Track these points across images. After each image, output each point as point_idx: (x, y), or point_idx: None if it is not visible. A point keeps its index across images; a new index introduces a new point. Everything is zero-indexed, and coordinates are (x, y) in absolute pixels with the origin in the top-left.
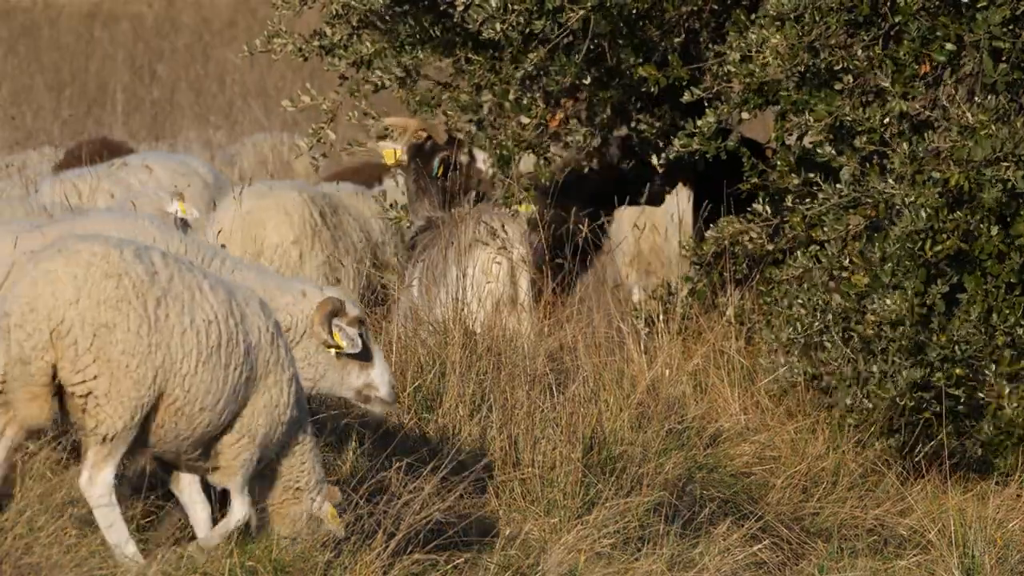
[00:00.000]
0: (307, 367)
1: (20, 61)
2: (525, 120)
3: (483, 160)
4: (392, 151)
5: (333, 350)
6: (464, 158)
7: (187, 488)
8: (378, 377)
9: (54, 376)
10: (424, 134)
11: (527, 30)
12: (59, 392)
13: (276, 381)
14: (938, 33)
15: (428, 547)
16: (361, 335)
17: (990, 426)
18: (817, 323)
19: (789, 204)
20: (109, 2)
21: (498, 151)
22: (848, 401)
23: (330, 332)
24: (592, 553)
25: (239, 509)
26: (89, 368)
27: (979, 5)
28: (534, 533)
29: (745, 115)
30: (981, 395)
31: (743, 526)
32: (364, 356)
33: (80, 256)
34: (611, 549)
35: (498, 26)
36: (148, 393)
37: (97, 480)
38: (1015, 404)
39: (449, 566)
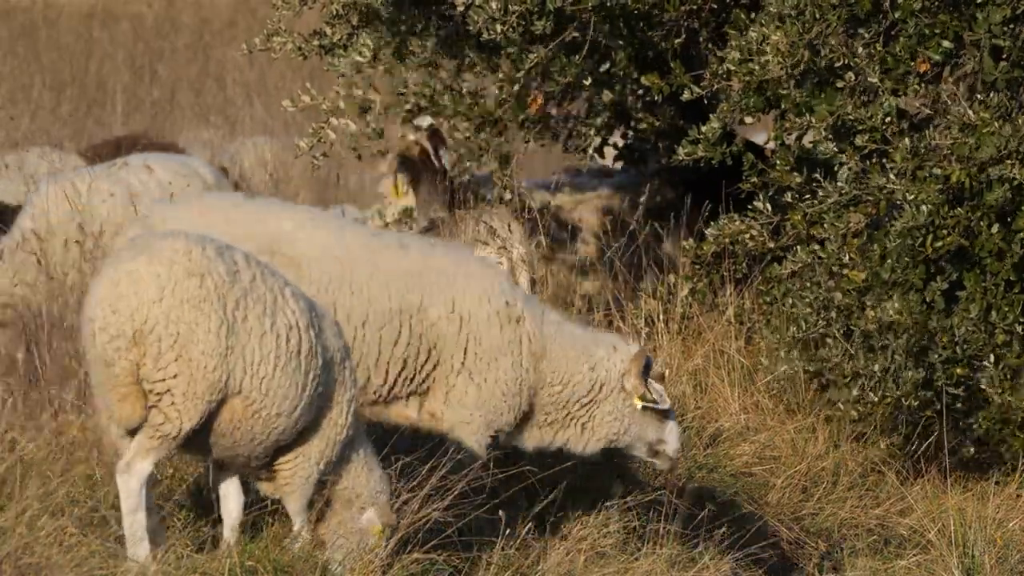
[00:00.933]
0: (613, 420)
1: (20, 61)
2: (521, 117)
3: (442, 151)
4: (394, 187)
5: (639, 404)
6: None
7: (225, 480)
8: (670, 433)
9: (139, 375)
10: (417, 148)
11: (527, 30)
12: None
13: (338, 401)
14: (936, 31)
15: (427, 547)
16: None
17: (985, 419)
18: (819, 320)
19: (790, 201)
20: (109, 2)
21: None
22: (855, 392)
23: (646, 385)
24: (592, 553)
25: (300, 529)
26: (170, 367)
27: (978, 3)
28: (534, 533)
29: (748, 119)
30: (983, 387)
31: (743, 526)
32: (662, 411)
33: (163, 255)
34: (611, 549)
35: (498, 27)
36: (218, 396)
37: (135, 469)
38: (1008, 393)
39: (449, 566)
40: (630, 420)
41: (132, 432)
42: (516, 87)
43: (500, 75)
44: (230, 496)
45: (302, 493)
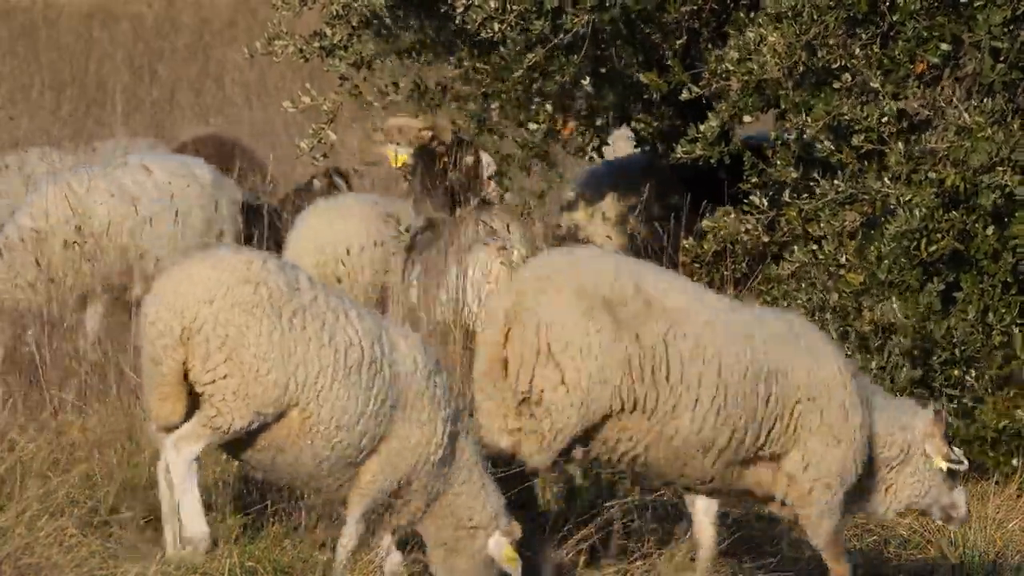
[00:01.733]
0: (916, 483)
1: (20, 61)
2: (532, 126)
3: (487, 164)
4: (395, 154)
5: (944, 465)
6: (469, 159)
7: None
8: (961, 497)
9: (185, 377)
10: (429, 134)
11: (526, 30)
12: (191, 394)
13: (430, 418)
14: (935, 33)
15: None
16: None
17: (968, 427)
18: (815, 321)
19: (786, 199)
20: (109, 2)
21: (506, 161)
22: None
23: (948, 447)
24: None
25: (349, 535)
26: (220, 367)
27: (977, 5)
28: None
29: (747, 119)
30: (965, 401)
31: (743, 526)
32: (952, 476)
33: (222, 261)
34: (611, 549)
35: (496, 26)
36: (275, 404)
37: (183, 451)
38: (992, 406)
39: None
40: (930, 483)
41: (169, 430)
42: (515, 96)
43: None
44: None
45: (367, 503)
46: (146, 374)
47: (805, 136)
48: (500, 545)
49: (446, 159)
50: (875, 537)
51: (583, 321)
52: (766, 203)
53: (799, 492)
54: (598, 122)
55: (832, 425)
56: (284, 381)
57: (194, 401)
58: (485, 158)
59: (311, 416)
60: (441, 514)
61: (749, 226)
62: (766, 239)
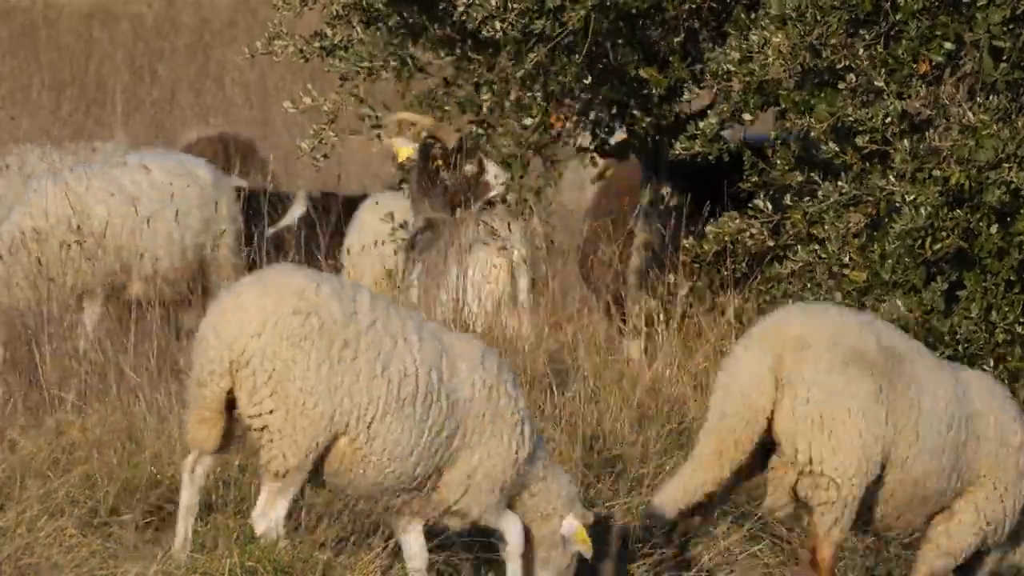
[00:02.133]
0: None
1: (20, 61)
2: (527, 121)
3: (494, 175)
4: (406, 148)
5: None
6: (470, 168)
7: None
8: None
9: (228, 405)
10: (427, 134)
11: (528, 29)
12: (230, 423)
13: (495, 432)
14: (937, 32)
15: (427, 547)
16: None
17: None
18: None
19: (790, 202)
20: (109, 2)
21: (503, 158)
22: None
23: None
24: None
25: (512, 540)
26: (265, 402)
27: (979, 4)
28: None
29: (747, 116)
30: None
31: (743, 526)
32: None
33: (274, 288)
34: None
35: (498, 25)
36: (324, 433)
37: (269, 514)
38: None
39: (449, 566)
40: None
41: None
42: (514, 94)
43: (497, 81)
44: (409, 543)
45: (487, 515)
46: (190, 394)
47: (810, 135)
48: (573, 527)
49: (439, 162)
50: (875, 537)
51: (853, 383)
52: (770, 207)
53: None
54: (596, 118)
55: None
56: (330, 412)
57: (229, 430)
58: (492, 170)
59: (361, 447)
60: (523, 509)
61: (754, 230)
62: (771, 243)
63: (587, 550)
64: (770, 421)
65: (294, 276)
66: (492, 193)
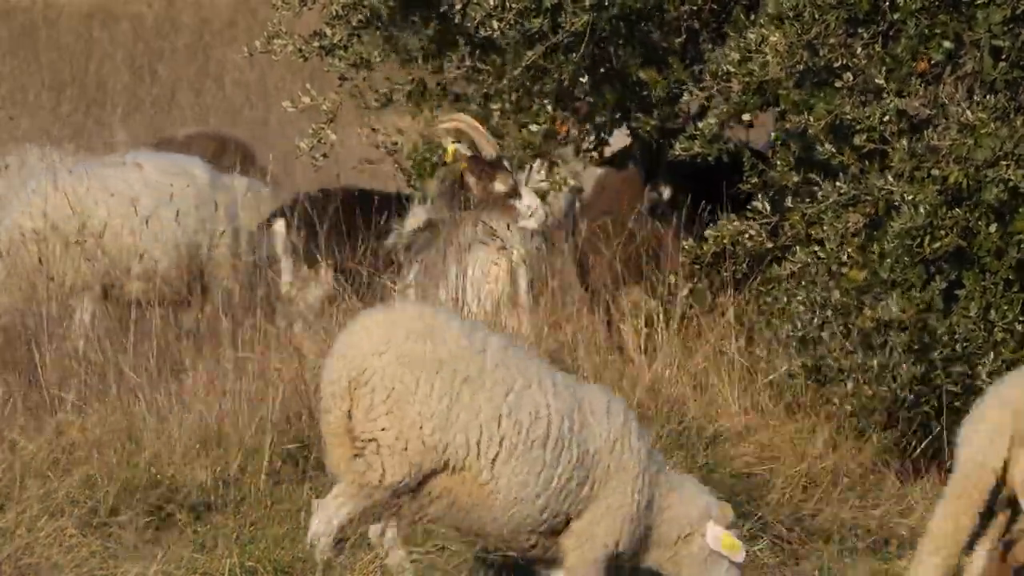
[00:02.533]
0: None
1: (20, 61)
2: (533, 127)
3: (527, 205)
4: (456, 149)
5: None
6: (501, 187)
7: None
8: None
9: (349, 428)
10: (478, 140)
11: (526, 29)
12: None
13: (619, 484)
14: (936, 31)
15: (428, 547)
16: None
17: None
18: (816, 319)
19: (790, 207)
20: (109, 2)
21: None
22: (850, 386)
23: None
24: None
25: None
26: (380, 419)
27: (979, 3)
28: None
29: (746, 116)
30: (979, 383)
31: (743, 526)
32: None
33: (401, 315)
34: None
35: (495, 23)
36: (428, 462)
37: (330, 512)
38: None
39: (449, 566)
40: None
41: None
42: (515, 96)
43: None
44: None
45: (593, 572)
46: (322, 423)
47: (808, 135)
48: (718, 536)
49: (466, 166)
50: (875, 537)
51: None
52: (768, 208)
53: None
54: (597, 120)
55: None
56: (443, 444)
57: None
58: (527, 200)
59: (486, 483)
60: (655, 540)
61: (753, 232)
62: (770, 244)
63: (738, 555)
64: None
65: (422, 308)
66: (520, 222)
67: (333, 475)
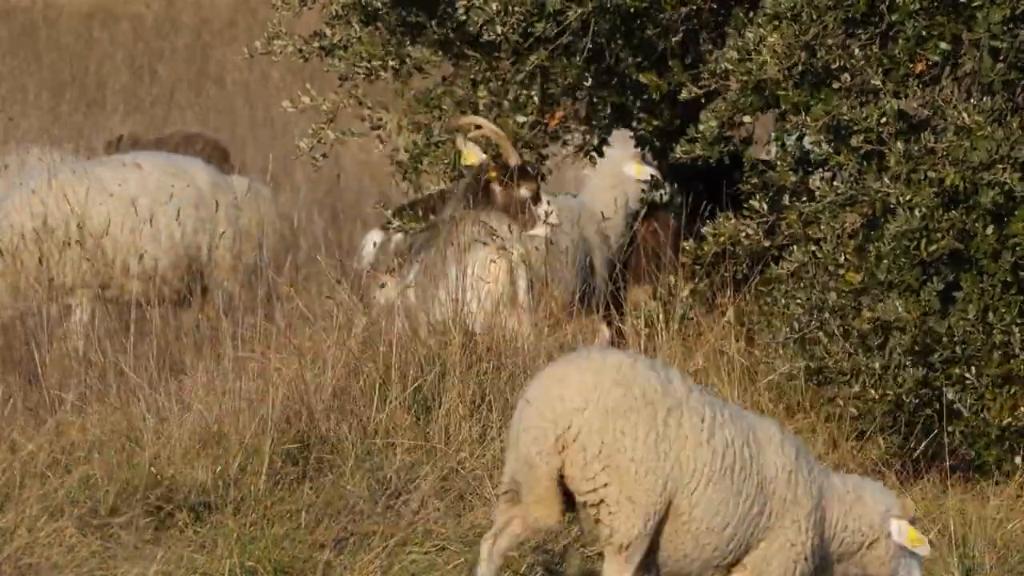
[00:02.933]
0: None
1: (20, 61)
2: (521, 119)
3: (544, 211)
4: (473, 155)
5: None
6: (525, 192)
7: None
8: None
9: (560, 481)
10: (498, 143)
11: (528, 32)
12: (568, 497)
13: (793, 520)
14: (934, 32)
15: (428, 547)
16: None
17: (961, 432)
18: (814, 321)
19: (787, 204)
20: (109, 2)
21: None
22: (855, 389)
23: None
24: (592, 553)
25: None
26: (598, 476)
27: (976, 4)
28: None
29: (747, 119)
30: (951, 398)
31: None
32: None
33: (591, 363)
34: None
35: (499, 28)
36: (659, 501)
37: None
38: (988, 406)
39: (449, 566)
40: None
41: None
42: (512, 93)
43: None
44: None
45: None
46: (521, 475)
47: (805, 139)
48: (902, 532)
49: (493, 175)
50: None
51: None
52: (766, 207)
53: None
54: (598, 121)
55: None
56: (663, 479)
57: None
58: (544, 203)
59: (683, 515)
60: (836, 563)
61: (750, 230)
62: (767, 243)
63: (924, 548)
64: None
65: (608, 352)
66: (536, 230)
67: (537, 527)
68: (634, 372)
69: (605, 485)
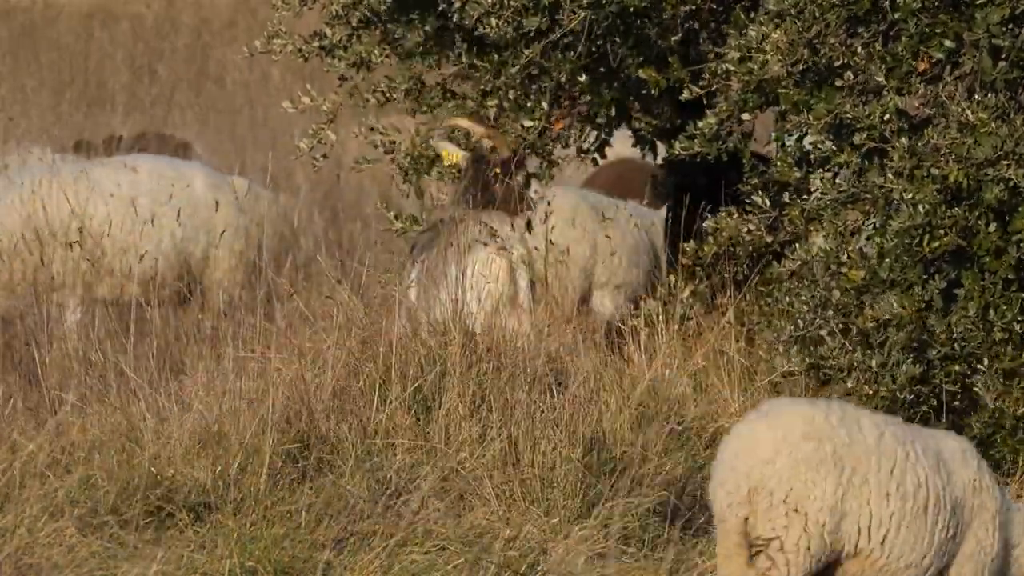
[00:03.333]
0: None
1: (20, 61)
2: (527, 123)
3: (534, 190)
4: (451, 152)
5: None
6: (520, 178)
7: None
8: None
9: (747, 534)
10: (489, 143)
11: (522, 27)
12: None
13: (981, 523)
14: (937, 30)
15: (428, 547)
16: None
17: (979, 423)
18: (816, 319)
19: (787, 202)
20: (109, 2)
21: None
22: (849, 385)
23: None
24: (592, 554)
25: None
26: (780, 519)
27: (978, 3)
28: (534, 534)
29: (746, 116)
30: (976, 390)
31: None
32: None
33: (782, 418)
34: (611, 550)
35: (493, 21)
36: (826, 557)
37: None
38: (1005, 397)
39: (449, 566)
40: None
41: None
42: (513, 94)
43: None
44: None
45: None
46: (719, 530)
47: (806, 140)
48: None
49: (497, 170)
50: None
51: None
52: (768, 203)
53: None
54: (598, 120)
55: None
56: (840, 534)
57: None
58: (534, 185)
59: (876, 561)
60: (1014, 563)
61: (752, 227)
62: (768, 239)
63: None
64: None
65: (799, 405)
66: (530, 213)
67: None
68: (827, 427)
69: (785, 527)
